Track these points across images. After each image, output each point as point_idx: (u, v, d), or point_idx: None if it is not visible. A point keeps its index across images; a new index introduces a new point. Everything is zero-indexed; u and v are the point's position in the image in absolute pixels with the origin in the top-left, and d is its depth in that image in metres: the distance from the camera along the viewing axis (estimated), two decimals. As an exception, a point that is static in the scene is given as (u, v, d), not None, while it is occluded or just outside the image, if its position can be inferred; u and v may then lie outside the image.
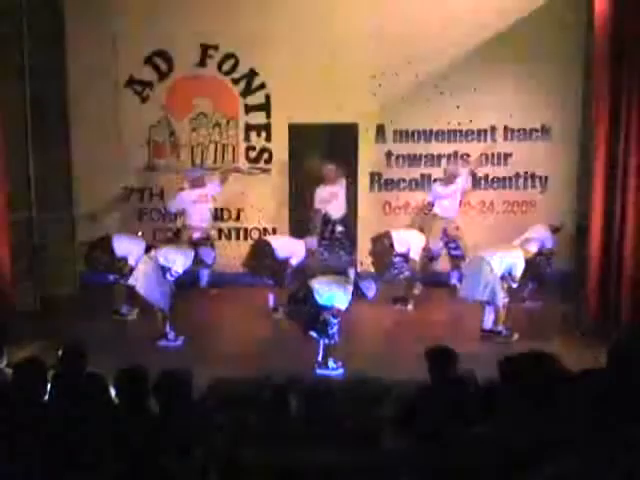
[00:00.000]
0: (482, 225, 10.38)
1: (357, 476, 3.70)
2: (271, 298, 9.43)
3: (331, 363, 7.72)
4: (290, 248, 9.41)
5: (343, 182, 10.32)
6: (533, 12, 10.05)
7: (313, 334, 7.70)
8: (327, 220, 10.15)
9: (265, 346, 8.47)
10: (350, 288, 7.78)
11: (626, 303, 8.32)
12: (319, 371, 7.67)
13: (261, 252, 9.46)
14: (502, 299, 8.45)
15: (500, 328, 8.56)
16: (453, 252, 9.99)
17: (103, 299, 9.52)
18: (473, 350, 8.09)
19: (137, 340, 8.67)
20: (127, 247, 9.17)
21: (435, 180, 10.35)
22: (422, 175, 10.65)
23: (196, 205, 10.01)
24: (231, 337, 8.88)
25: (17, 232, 9.15)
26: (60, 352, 5.54)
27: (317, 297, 7.62)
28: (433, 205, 10.10)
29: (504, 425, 3.72)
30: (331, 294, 7.64)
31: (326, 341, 7.68)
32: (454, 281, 9.93)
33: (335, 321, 7.61)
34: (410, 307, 9.64)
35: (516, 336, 8.52)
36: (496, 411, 4.12)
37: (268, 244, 9.47)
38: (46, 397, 5.02)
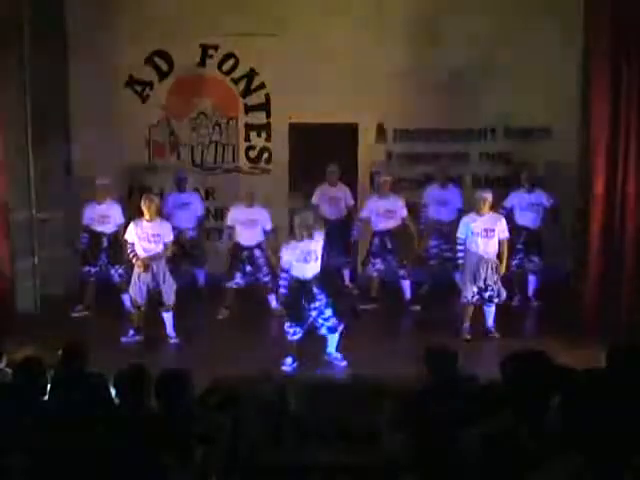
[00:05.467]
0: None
1: (357, 476, 3.70)
2: (272, 298, 9.42)
3: (336, 354, 7.88)
4: None
5: (344, 188, 10.15)
6: (533, 12, 10.06)
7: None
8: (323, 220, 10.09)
9: (264, 346, 8.46)
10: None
11: (626, 303, 8.32)
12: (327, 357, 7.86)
13: None
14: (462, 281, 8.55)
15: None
16: (446, 254, 9.89)
17: (103, 299, 9.53)
18: (473, 350, 8.13)
19: (137, 339, 8.66)
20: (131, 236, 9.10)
21: (431, 182, 10.24)
22: (422, 175, 10.66)
23: (180, 211, 9.89)
24: (231, 337, 8.86)
25: (17, 232, 9.15)
26: (60, 352, 5.54)
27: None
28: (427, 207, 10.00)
29: (504, 425, 3.71)
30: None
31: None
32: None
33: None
34: (417, 307, 9.65)
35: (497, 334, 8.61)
36: (497, 411, 4.11)
37: None
38: (46, 397, 5.02)
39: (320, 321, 7.76)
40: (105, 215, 9.38)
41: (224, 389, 5.14)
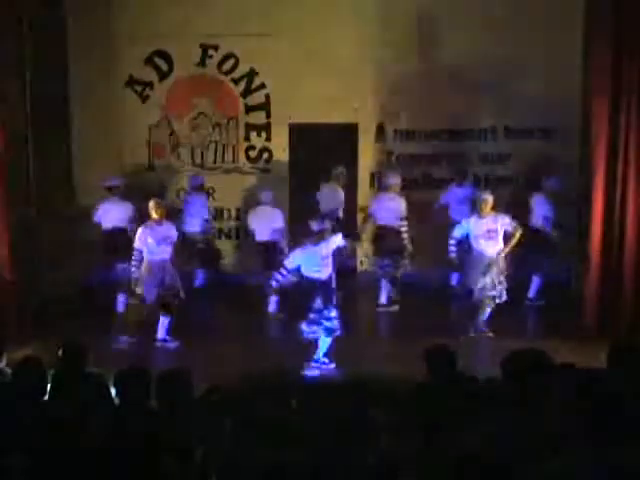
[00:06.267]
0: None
1: (357, 476, 3.70)
2: (273, 301, 9.41)
3: (324, 359, 7.83)
4: None
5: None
6: (533, 12, 10.06)
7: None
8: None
9: (265, 346, 8.46)
10: None
11: (626, 303, 8.32)
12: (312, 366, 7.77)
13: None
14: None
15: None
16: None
17: (103, 299, 9.54)
18: (473, 349, 8.13)
19: (137, 339, 8.66)
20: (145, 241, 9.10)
21: (451, 181, 10.23)
22: (422, 175, 10.67)
23: (195, 210, 9.99)
24: (230, 337, 8.86)
25: (17, 232, 9.14)
26: (60, 352, 5.54)
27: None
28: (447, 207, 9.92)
29: (504, 425, 3.72)
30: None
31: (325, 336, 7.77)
32: (454, 282, 9.89)
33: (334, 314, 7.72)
34: (395, 308, 9.63)
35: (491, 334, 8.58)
36: (497, 410, 4.11)
37: None
38: (46, 397, 5.02)
39: (321, 320, 7.72)
40: (119, 216, 9.42)
41: (224, 389, 5.14)
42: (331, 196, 9.95)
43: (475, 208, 8.64)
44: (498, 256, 8.50)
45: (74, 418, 4.41)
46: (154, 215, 8.46)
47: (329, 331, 7.76)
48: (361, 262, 10.40)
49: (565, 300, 9.38)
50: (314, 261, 7.72)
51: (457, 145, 10.64)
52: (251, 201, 10.18)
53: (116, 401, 4.88)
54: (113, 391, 4.97)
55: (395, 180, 9.62)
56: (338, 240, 7.88)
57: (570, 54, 9.97)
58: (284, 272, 7.81)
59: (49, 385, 5.06)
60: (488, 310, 8.63)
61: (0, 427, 4.40)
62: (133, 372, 4.71)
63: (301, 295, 7.84)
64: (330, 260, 7.79)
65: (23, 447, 4.14)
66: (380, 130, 10.69)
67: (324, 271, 7.76)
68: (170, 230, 8.60)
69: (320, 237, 7.73)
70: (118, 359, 6.86)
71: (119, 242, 9.39)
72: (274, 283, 7.97)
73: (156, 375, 4.66)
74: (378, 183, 10.57)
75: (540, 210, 9.52)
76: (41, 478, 4.03)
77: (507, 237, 8.54)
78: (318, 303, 7.69)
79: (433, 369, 5.17)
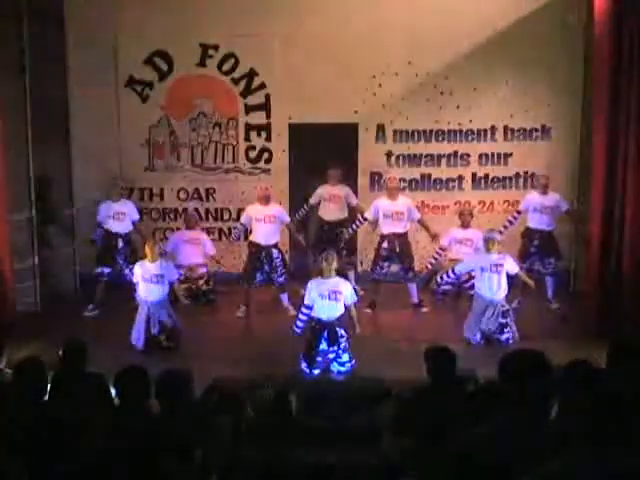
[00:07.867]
0: (483, 225, 10.36)
1: (357, 476, 3.71)
2: (285, 297, 9.47)
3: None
4: None
5: (346, 188, 10.11)
6: (533, 11, 10.06)
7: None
8: (323, 222, 10.11)
9: (265, 346, 8.46)
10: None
11: (626, 303, 8.32)
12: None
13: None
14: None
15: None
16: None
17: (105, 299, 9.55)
18: (473, 350, 8.13)
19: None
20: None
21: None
22: (422, 175, 10.67)
23: (188, 245, 9.96)
24: (231, 337, 8.86)
25: (17, 232, 9.15)
26: (60, 352, 5.54)
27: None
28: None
29: (504, 425, 3.71)
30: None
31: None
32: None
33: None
34: (425, 309, 9.61)
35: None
36: (496, 411, 4.11)
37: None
38: (46, 397, 5.02)
39: (335, 365, 7.54)
40: (121, 212, 9.50)
41: (224, 389, 5.14)
42: (328, 195, 9.96)
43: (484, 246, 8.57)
44: (501, 299, 8.36)
45: (74, 418, 4.41)
46: (147, 253, 8.38)
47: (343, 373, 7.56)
48: (361, 263, 10.39)
49: (566, 300, 9.38)
50: (324, 294, 7.48)
51: (457, 145, 10.63)
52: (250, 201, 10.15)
53: (116, 401, 4.88)
54: (113, 391, 4.97)
55: (395, 184, 9.65)
56: (348, 293, 7.60)
57: (570, 54, 9.98)
58: (305, 310, 7.59)
59: (49, 385, 5.06)
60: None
61: (0, 427, 4.40)
62: (133, 372, 4.71)
63: (309, 337, 7.62)
64: (341, 298, 7.53)
65: (23, 447, 4.14)
66: (380, 130, 10.68)
67: (334, 308, 7.51)
68: (163, 269, 8.40)
69: (328, 266, 7.52)
70: (118, 359, 6.84)
71: (121, 241, 9.44)
72: (297, 330, 7.70)
73: (156, 375, 4.66)
74: (378, 184, 10.58)
75: (533, 209, 9.51)
76: (41, 478, 4.03)
77: (512, 280, 8.50)
78: (324, 345, 7.51)
79: (433, 369, 5.18)
